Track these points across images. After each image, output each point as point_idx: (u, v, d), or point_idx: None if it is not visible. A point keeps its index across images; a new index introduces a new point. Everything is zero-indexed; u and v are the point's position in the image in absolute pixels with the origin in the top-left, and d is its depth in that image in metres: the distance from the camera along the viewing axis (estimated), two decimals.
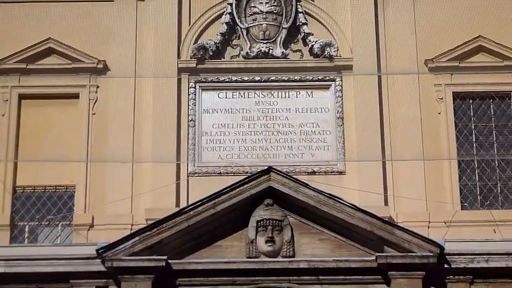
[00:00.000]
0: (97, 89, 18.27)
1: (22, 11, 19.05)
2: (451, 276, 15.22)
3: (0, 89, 18.24)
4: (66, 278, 14.88)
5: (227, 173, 17.32)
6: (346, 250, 15.39)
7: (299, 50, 18.50)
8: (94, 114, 17.98)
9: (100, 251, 14.40)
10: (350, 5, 19.06)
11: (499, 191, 18.11)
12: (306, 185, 15.30)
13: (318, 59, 18.35)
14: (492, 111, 18.68)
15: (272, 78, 18.32)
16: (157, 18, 18.83)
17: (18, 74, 18.25)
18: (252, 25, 18.46)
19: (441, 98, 18.18)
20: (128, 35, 18.69)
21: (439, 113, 18.05)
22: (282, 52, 18.30)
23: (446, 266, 14.95)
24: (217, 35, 18.41)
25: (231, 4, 18.58)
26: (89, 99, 18.20)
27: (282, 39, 18.41)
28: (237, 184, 15.36)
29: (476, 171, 18.16)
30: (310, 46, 18.27)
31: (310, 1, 18.90)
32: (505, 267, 14.98)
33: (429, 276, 14.95)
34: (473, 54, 18.57)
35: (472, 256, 15.15)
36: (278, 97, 18.52)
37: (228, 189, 15.29)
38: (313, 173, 17.23)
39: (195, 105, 18.28)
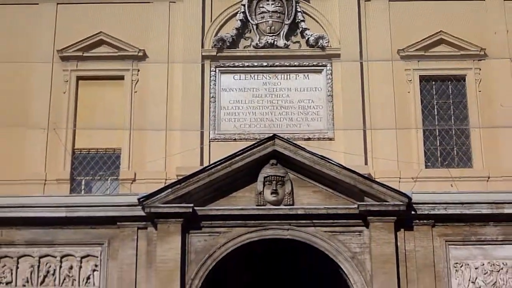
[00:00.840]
0: (138, 72, 17.98)
1: (79, 10, 18.58)
2: (417, 221, 15.03)
3: (62, 72, 17.91)
4: (114, 221, 15.00)
5: (240, 139, 17.06)
6: (334, 200, 15.18)
7: (298, 42, 18.23)
8: (136, 92, 17.80)
9: (141, 199, 14.35)
10: (338, 6, 18.68)
11: (455, 153, 17.91)
12: (303, 149, 15.16)
13: (313, 49, 18.13)
14: (450, 90, 18.29)
15: (276, 64, 18.13)
16: (185, 16, 18.49)
17: (76, 61, 17.93)
18: (260, 21, 18.17)
19: (410, 80, 17.89)
20: (162, 29, 18.36)
21: (408, 92, 17.78)
22: (284, 43, 18.10)
23: (413, 212, 14.82)
24: (233, 29, 18.10)
25: (244, 5, 18.24)
26: (132, 80, 17.95)
27: (285, 33, 18.15)
28: (248, 148, 15.21)
29: (437, 138, 17.89)
30: (306, 38, 18.05)
31: (307, 3, 18.56)
32: (459, 213, 14.77)
33: (400, 221, 14.86)
34: (436, 45, 18.19)
35: (434, 205, 14.98)
36: (281, 79, 18.20)
37: (241, 152, 15.13)
38: (308, 139, 17.02)
39: (215, 85, 18.04)
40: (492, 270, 14.88)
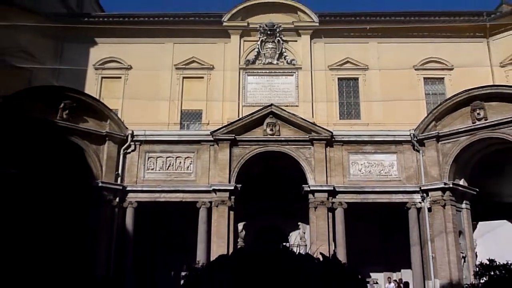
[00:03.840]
0: (210, 75, 25.22)
1: (183, 46, 25.50)
2: (335, 143, 21.12)
3: (176, 75, 25.07)
4: (199, 141, 21.11)
5: (257, 105, 22.85)
6: (298, 133, 21.14)
7: (282, 61, 25.45)
8: (209, 84, 25.07)
9: (211, 132, 20.96)
10: (302, 46, 25.49)
11: (353, 112, 24.68)
12: (284, 110, 21.43)
13: (289, 64, 25.35)
14: (351, 84, 25.28)
15: (272, 71, 25.19)
16: (232, 49, 25.51)
17: (182, 70, 25.16)
18: (265, 52, 25.33)
19: (333, 80, 25.24)
20: (221, 55, 25.49)
21: (332, 85, 25.00)
22: (276, 62, 25.36)
23: (333, 139, 21.05)
24: (253, 55, 25.36)
25: (258, 45, 25.34)
26: (208, 79, 25.19)
27: (276, 57, 25.38)
28: (259, 110, 21.55)
29: (344, 105, 24.88)
30: (286, 60, 25.36)
31: (287, 44, 25.50)
32: (354, 140, 21.07)
33: (327, 143, 21.00)
34: (345, 63, 25.35)
35: (342, 136, 21.08)
36: (275, 78, 25.32)
37: (256, 111, 21.48)
38: (287, 106, 22.93)
39: (244, 81, 25.09)
40: (368, 165, 21.62)
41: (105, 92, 24.60)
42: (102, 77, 25.16)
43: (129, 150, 21.17)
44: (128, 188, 20.82)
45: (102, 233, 19.86)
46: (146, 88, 24.20)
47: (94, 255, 19.28)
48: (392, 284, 21.56)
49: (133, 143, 21.21)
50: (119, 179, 20.77)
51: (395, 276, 23.04)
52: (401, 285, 21.53)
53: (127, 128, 21.30)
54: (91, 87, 24.28)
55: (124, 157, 21.02)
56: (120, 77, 25.09)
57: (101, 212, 20.04)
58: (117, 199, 20.40)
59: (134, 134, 21.25)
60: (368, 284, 21.13)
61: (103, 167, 20.59)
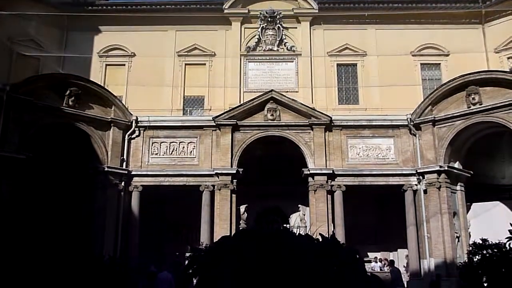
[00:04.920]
0: (212, 62, 24.95)
1: (185, 33, 25.24)
2: (334, 127, 21.25)
3: (179, 62, 24.87)
4: (202, 127, 21.36)
5: (258, 91, 22.65)
6: (298, 118, 21.32)
7: (283, 48, 24.95)
8: (211, 70, 24.80)
9: (213, 117, 21.11)
10: (301, 33, 25.10)
11: (352, 97, 24.71)
12: (284, 96, 21.51)
13: (289, 51, 24.94)
14: (350, 70, 25.03)
15: (273, 58, 24.86)
16: (233, 36, 25.14)
17: (185, 56, 24.92)
18: (266, 39, 24.90)
19: (332, 66, 24.81)
20: (222, 42, 25.18)
21: (331, 71, 24.70)
22: (277, 49, 24.89)
23: (332, 124, 21.04)
24: (254, 42, 24.99)
25: (259, 31, 24.94)
26: (209, 65, 24.88)
27: (277, 44, 24.92)
28: (260, 96, 21.62)
29: (344, 90, 24.72)
30: (286, 46, 24.91)
31: (286, 31, 25.01)
32: (352, 124, 21.44)
33: (327, 127, 21.16)
34: (344, 50, 25.07)
35: (340, 121, 21.35)
36: (275, 65, 24.93)
37: (257, 97, 21.61)
38: (287, 92, 22.76)
39: (245, 67, 24.72)
40: (366, 149, 21.70)
41: (109, 79, 24.59)
42: (107, 65, 25.12)
43: (133, 136, 21.35)
44: (133, 173, 21.02)
45: (109, 216, 20.11)
46: (150, 75, 24.11)
47: (102, 237, 19.58)
48: (379, 263, 21.84)
49: (137, 128, 21.36)
50: (124, 164, 20.94)
51: (392, 256, 23.33)
52: (386, 263, 21.84)
53: (131, 114, 21.39)
54: (95, 75, 24.28)
55: (129, 143, 21.19)
56: (124, 64, 25.07)
57: (108, 196, 20.27)
58: (123, 183, 20.59)
59: (138, 120, 21.34)
60: (370, 263, 21.50)
61: (109, 153, 20.79)
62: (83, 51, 24.17)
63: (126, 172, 20.76)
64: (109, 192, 20.09)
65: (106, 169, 20.13)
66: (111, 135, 20.76)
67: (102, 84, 22.48)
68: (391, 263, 21.09)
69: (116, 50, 25.03)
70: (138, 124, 21.29)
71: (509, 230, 7.38)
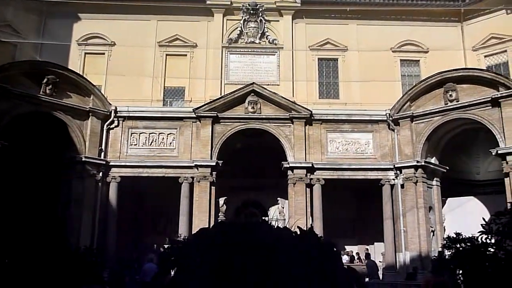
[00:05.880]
0: (193, 53, 24.68)
1: (167, 23, 24.80)
2: (314, 121, 21.18)
3: (159, 52, 24.40)
4: (182, 118, 21.02)
5: (240, 84, 22.52)
6: (279, 112, 21.23)
7: (264, 41, 24.85)
8: (192, 62, 24.49)
9: (194, 109, 20.88)
10: (283, 26, 25.09)
11: (332, 91, 25.02)
12: (265, 89, 21.33)
13: (271, 44, 24.91)
14: (331, 64, 24.99)
15: (254, 51, 24.73)
16: (215, 27, 24.96)
17: (166, 47, 24.57)
18: (248, 31, 24.72)
19: (313, 60, 24.68)
20: (204, 33, 24.76)
21: (312, 65, 24.67)
22: (259, 41, 24.75)
23: (312, 118, 21.26)
24: (236, 34, 24.78)
25: (241, 24, 24.73)
26: (191, 56, 24.64)
27: (259, 36, 24.77)
28: (241, 88, 21.48)
29: (324, 84, 24.88)
30: (268, 39, 24.82)
31: (269, 24, 24.99)
32: (331, 118, 21.50)
33: (307, 121, 21.19)
34: (326, 44, 25.13)
35: (321, 115, 21.44)
36: (257, 57, 24.89)
37: (238, 89, 21.43)
38: (268, 85, 22.62)
39: (227, 59, 24.50)
40: (345, 143, 21.55)
41: (88, 68, 24.20)
42: (86, 53, 24.70)
43: (112, 126, 21.09)
44: (111, 163, 20.84)
45: (86, 207, 19.90)
46: (130, 65, 23.72)
47: (79, 228, 19.37)
48: (346, 256, 22.02)
49: (116, 119, 21.08)
50: (102, 154, 20.72)
51: (369, 249, 23.63)
52: (355, 256, 22.46)
53: (110, 104, 21.07)
54: (74, 63, 23.84)
55: (108, 133, 20.93)
56: (103, 53, 24.64)
57: (85, 187, 20.05)
58: (101, 174, 20.38)
59: (117, 110, 21.08)
60: (345, 256, 21.75)
61: (87, 142, 20.55)
62: (62, 38, 23.67)
63: (104, 162, 20.56)
64: (87, 182, 19.90)
65: (83, 159, 19.91)
66: (89, 124, 20.48)
67: (81, 73, 22.09)
68: (367, 256, 21.30)
69: (96, 39, 24.57)
70: (117, 114, 21.03)
71: (481, 225, 7.53)
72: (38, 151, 18.89)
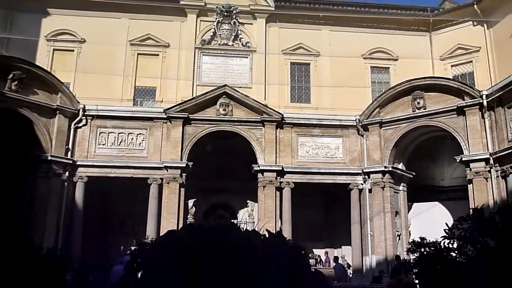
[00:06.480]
0: (165, 53, 24.44)
1: (140, 22, 24.59)
2: (285, 125, 21.34)
3: (131, 51, 24.20)
4: (152, 118, 21.02)
5: (212, 85, 22.53)
6: (250, 114, 21.32)
7: (238, 43, 24.90)
8: (164, 62, 24.35)
9: (165, 110, 20.70)
10: (257, 29, 25.17)
11: (303, 96, 25.02)
12: (237, 91, 21.37)
13: (244, 47, 24.93)
14: (303, 69, 25.27)
15: (227, 53, 24.71)
16: (188, 28, 24.75)
17: (137, 46, 24.39)
18: (221, 33, 24.76)
19: (286, 64, 25.08)
20: (176, 33, 24.66)
21: (285, 69, 24.94)
22: (232, 44, 24.71)
23: (283, 121, 21.28)
24: (209, 36, 24.81)
25: (214, 25, 24.73)
26: (163, 56, 24.45)
27: (232, 39, 24.81)
28: (213, 90, 21.39)
29: (296, 89, 24.90)
30: (241, 42, 24.91)
31: (242, 26, 25.04)
32: (303, 123, 21.50)
33: (278, 125, 21.33)
34: (298, 49, 25.40)
35: (292, 118, 21.53)
36: (229, 60, 24.87)
37: (210, 91, 21.34)
38: (240, 87, 22.75)
39: (200, 60, 24.41)
40: (316, 147, 22.11)
41: (57, 64, 23.64)
42: (54, 49, 24.15)
43: (80, 125, 20.72)
44: (78, 163, 20.49)
45: (51, 206, 19.45)
46: (100, 63, 23.36)
47: (43, 229, 18.88)
48: (312, 260, 22.17)
49: (84, 117, 20.72)
50: (69, 153, 20.35)
51: (336, 252, 23.92)
52: (323, 260, 22.77)
53: (79, 102, 20.69)
54: (42, 59, 23.25)
55: (75, 132, 20.57)
56: (73, 50, 24.14)
57: (51, 186, 19.60)
58: (67, 173, 20.01)
59: (86, 108, 20.70)
60: (312, 259, 21.84)
61: (53, 141, 20.07)
62: (30, 33, 23.08)
63: (71, 162, 20.22)
64: (52, 182, 19.50)
65: (49, 158, 19.45)
66: (56, 122, 20.02)
67: (49, 70, 21.62)
68: (336, 259, 21.60)
69: (65, 35, 24.08)
70: (86, 113, 20.67)
71: (444, 230, 7.75)
72: (2, 149, 18.33)
